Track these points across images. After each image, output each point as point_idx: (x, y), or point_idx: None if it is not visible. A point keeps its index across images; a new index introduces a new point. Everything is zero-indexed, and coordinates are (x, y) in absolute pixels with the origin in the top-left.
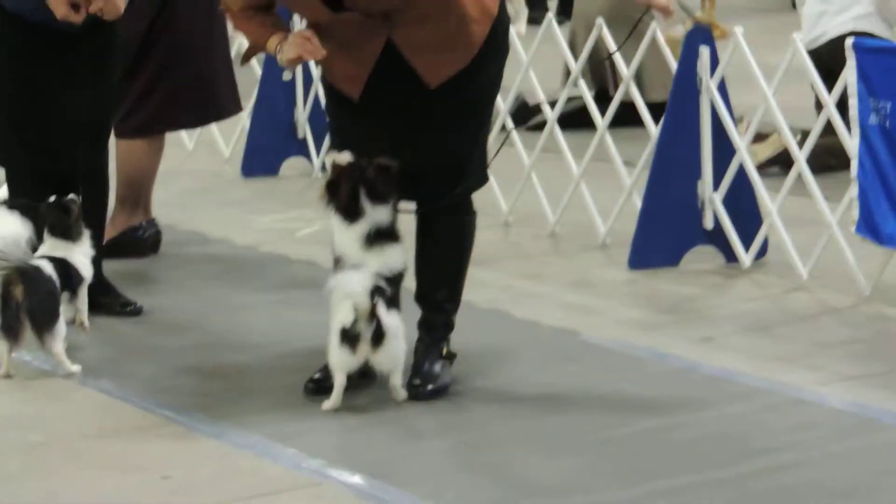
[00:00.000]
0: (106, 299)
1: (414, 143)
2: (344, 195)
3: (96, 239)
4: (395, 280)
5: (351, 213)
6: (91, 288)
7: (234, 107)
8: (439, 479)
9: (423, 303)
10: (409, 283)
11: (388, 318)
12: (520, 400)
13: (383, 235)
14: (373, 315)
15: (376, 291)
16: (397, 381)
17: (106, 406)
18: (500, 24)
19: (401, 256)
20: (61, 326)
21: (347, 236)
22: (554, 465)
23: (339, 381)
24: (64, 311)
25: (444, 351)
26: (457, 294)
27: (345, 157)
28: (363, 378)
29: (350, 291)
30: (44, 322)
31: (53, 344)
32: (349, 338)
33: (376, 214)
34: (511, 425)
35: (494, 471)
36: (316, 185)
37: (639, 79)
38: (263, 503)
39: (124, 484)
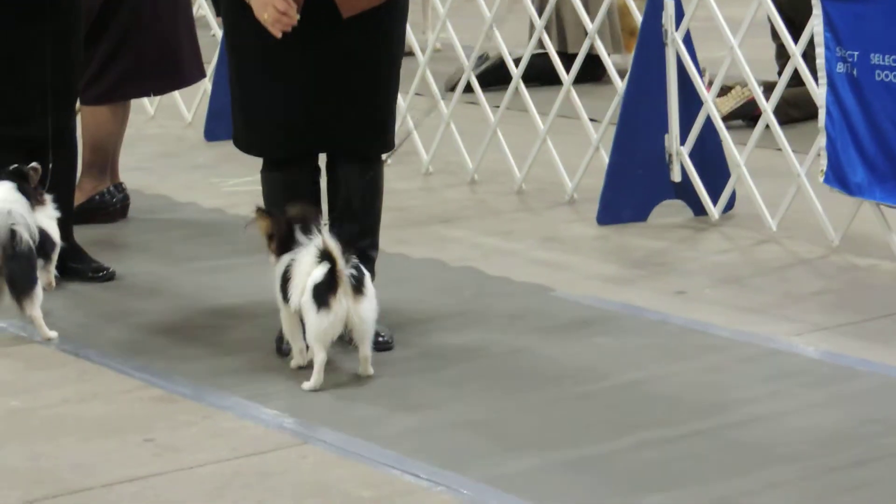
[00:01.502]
0: (77, 265)
1: (330, 83)
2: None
3: (66, 204)
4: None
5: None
6: (62, 253)
7: (197, 73)
8: (421, 436)
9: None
10: None
11: (363, 267)
12: (497, 356)
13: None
14: (347, 260)
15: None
16: (368, 350)
17: (85, 371)
18: None
19: None
20: (39, 292)
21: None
22: (535, 419)
23: (320, 358)
24: (39, 277)
25: None
26: (378, 240)
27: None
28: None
29: (315, 245)
30: (22, 287)
31: (32, 309)
32: (324, 291)
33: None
34: (490, 382)
35: (476, 427)
36: None
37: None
38: (248, 463)
39: (107, 447)
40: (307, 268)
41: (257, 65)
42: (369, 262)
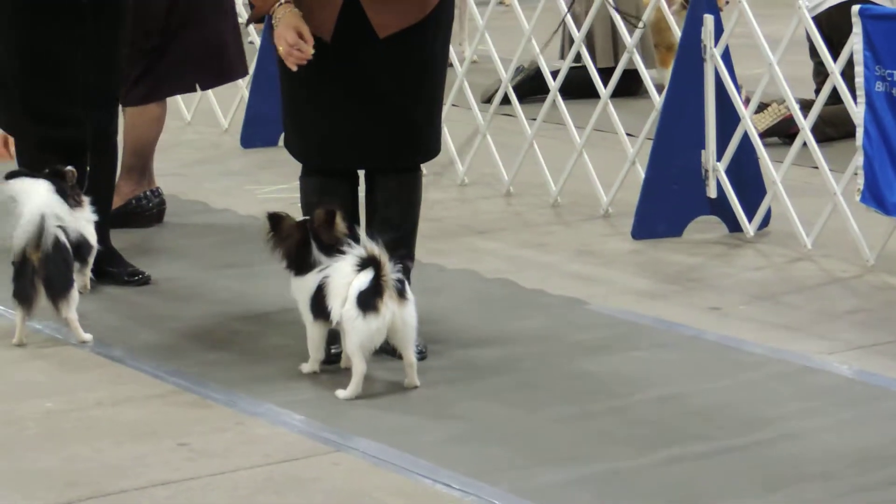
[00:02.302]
0: (114, 269)
1: (366, 99)
2: (293, 251)
3: (104, 208)
4: None
5: (301, 266)
6: (99, 257)
7: (242, 69)
8: (454, 447)
9: None
10: None
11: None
12: (530, 368)
13: None
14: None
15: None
16: (413, 356)
17: (119, 374)
18: None
19: None
20: (75, 294)
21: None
22: (567, 433)
23: (360, 369)
24: (75, 280)
25: None
26: (413, 250)
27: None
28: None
29: (352, 254)
30: (58, 289)
31: (68, 311)
32: (371, 296)
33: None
34: (523, 394)
35: (509, 438)
36: None
37: (590, 45)
38: (281, 470)
39: (140, 451)
40: (347, 278)
41: (301, 78)
42: (405, 272)
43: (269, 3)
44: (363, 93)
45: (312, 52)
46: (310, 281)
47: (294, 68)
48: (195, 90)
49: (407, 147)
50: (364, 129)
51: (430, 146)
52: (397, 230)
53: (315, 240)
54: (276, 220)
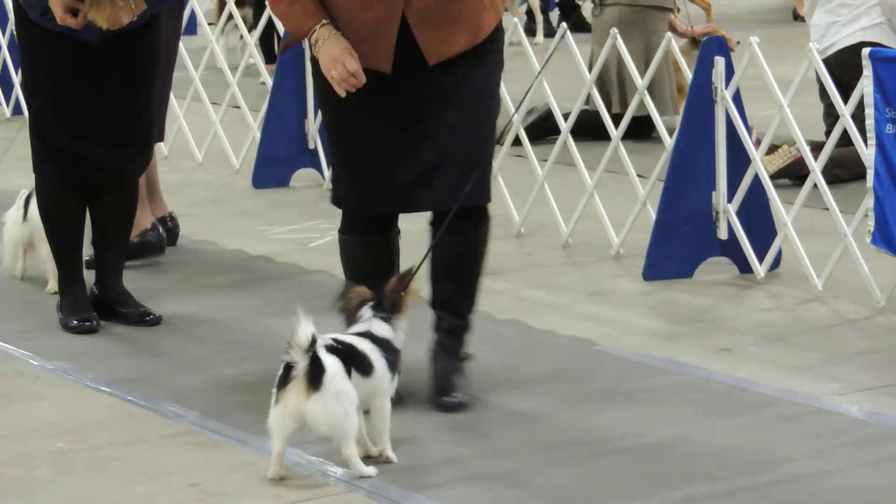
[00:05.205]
0: (124, 309)
1: (424, 130)
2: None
3: (119, 248)
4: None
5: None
6: (110, 298)
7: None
8: (463, 487)
9: (443, 310)
10: None
11: (330, 360)
12: (538, 409)
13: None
14: (311, 348)
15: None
16: (348, 449)
17: (131, 414)
18: (502, 29)
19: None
20: None
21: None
22: (575, 473)
23: (275, 449)
24: None
25: (461, 353)
26: (477, 298)
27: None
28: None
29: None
30: None
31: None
32: (279, 383)
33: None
34: (530, 435)
35: (517, 479)
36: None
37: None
38: None
39: (152, 491)
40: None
41: (349, 122)
42: (463, 318)
43: (309, 24)
44: (419, 125)
45: (365, 80)
46: None
47: (343, 94)
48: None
49: (465, 184)
50: (421, 164)
51: (485, 187)
52: (460, 278)
53: (376, 306)
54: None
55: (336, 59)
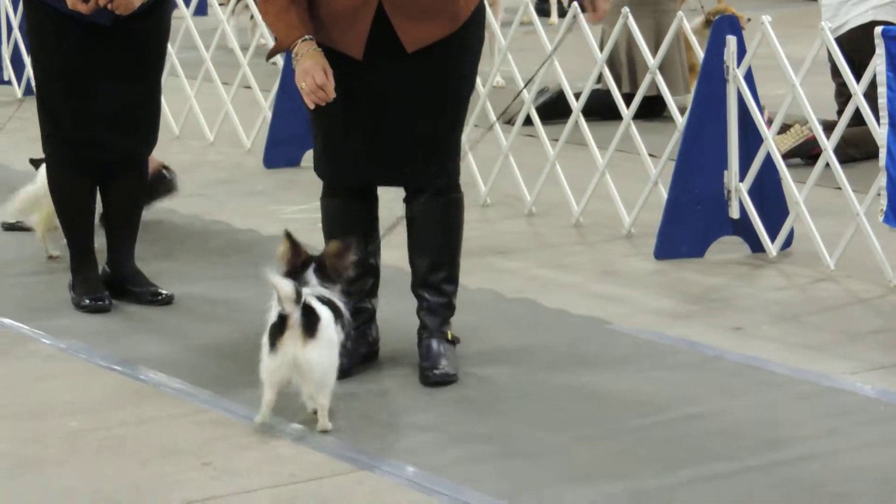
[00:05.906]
0: (136, 288)
1: (394, 113)
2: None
3: (130, 228)
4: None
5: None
6: (122, 277)
7: None
8: (476, 466)
9: (422, 288)
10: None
11: (322, 309)
12: (553, 388)
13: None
14: (299, 299)
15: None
16: (322, 399)
17: (144, 393)
18: (483, 10)
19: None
20: None
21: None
22: (588, 452)
23: (266, 397)
24: None
25: (448, 335)
26: (455, 275)
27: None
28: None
29: (272, 281)
30: None
31: None
32: (274, 333)
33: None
34: (544, 413)
35: (531, 458)
36: None
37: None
38: (306, 489)
39: (165, 470)
40: (272, 311)
41: (327, 104)
42: (443, 295)
43: (291, 38)
44: (389, 109)
45: (335, 95)
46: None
47: (312, 107)
48: None
49: (433, 166)
50: (390, 146)
51: (452, 167)
52: (432, 253)
53: (318, 269)
54: (293, 244)
55: (307, 71)
